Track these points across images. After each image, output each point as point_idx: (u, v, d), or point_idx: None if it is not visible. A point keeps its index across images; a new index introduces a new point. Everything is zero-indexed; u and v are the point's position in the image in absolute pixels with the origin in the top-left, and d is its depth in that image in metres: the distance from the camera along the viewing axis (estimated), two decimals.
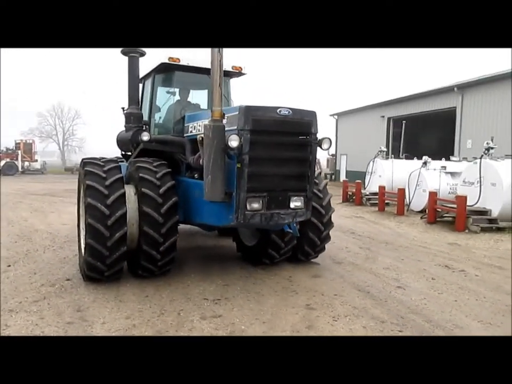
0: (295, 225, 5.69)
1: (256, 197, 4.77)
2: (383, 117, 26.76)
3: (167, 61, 6.32)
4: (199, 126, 5.88)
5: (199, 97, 7.19)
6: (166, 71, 6.69)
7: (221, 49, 4.56)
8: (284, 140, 4.85)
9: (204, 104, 7.12)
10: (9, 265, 6.44)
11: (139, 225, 5.49)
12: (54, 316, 4.48)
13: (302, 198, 5.10)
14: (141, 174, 5.61)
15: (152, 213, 5.36)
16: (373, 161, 17.56)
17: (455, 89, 20.96)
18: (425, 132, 22.40)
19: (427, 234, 10.32)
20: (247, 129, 4.60)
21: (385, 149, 18.93)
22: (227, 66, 6.56)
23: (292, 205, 5.03)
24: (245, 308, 4.86)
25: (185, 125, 6.40)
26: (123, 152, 7.71)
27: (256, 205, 4.77)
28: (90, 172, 5.44)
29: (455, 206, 10.70)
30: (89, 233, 5.20)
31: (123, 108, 6.98)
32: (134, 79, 6.72)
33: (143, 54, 6.67)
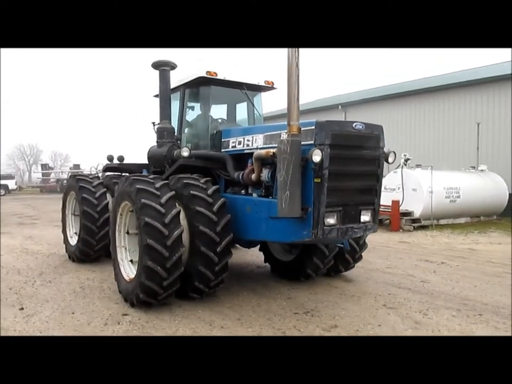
0: None
1: (332, 212, 4.78)
2: None
3: (204, 75, 6.09)
4: (248, 141, 5.82)
5: (217, 111, 7.01)
6: (199, 85, 6.40)
7: (298, 63, 4.47)
8: (358, 154, 4.95)
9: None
10: (22, 308, 5.30)
11: (193, 244, 5.23)
12: None
13: (370, 211, 5.20)
14: (192, 192, 5.32)
15: (208, 231, 5.15)
16: None
17: (339, 107, 23.95)
18: None
19: (371, 235, 11.71)
20: (327, 143, 4.58)
21: None
22: (260, 81, 6.63)
23: (362, 218, 5.11)
24: (343, 316, 5.06)
25: (223, 140, 6.23)
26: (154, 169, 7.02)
27: (332, 220, 4.78)
28: (144, 190, 5.10)
29: (389, 209, 12.42)
30: (147, 254, 4.85)
31: (153, 123, 6.45)
32: (165, 93, 6.31)
33: (174, 67, 6.33)
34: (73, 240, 8.01)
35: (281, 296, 5.86)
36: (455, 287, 6.40)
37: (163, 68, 6.33)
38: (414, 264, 8.10)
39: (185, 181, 5.46)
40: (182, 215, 5.32)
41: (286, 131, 4.65)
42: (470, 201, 13.54)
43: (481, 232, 12.13)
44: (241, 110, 7.03)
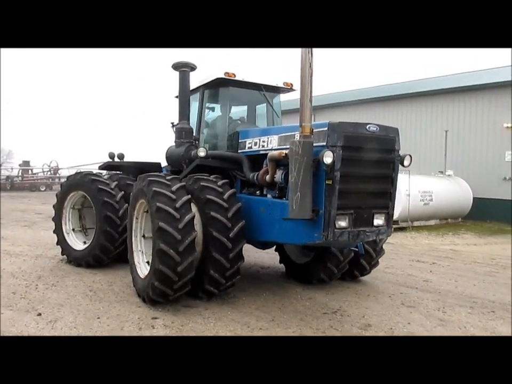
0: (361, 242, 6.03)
1: (344, 214, 4.68)
2: None
3: (223, 76, 6.08)
4: (263, 142, 5.84)
5: (239, 112, 7.02)
6: (218, 86, 6.39)
7: (312, 63, 4.43)
8: (371, 156, 4.85)
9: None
10: (39, 314, 5.01)
11: (205, 233, 5.32)
12: None
13: (383, 215, 5.12)
14: (201, 183, 5.49)
15: (219, 217, 5.24)
16: None
17: None
18: None
19: None
20: (339, 145, 4.52)
21: None
22: (279, 82, 6.68)
23: (375, 222, 5.03)
24: (371, 315, 5.22)
25: (240, 140, 6.22)
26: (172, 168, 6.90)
27: (343, 223, 4.68)
28: (155, 182, 5.31)
29: None
30: (160, 238, 4.94)
31: (172, 123, 6.36)
32: (184, 93, 6.33)
33: (194, 68, 6.34)
34: (70, 238, 7.61)
35: (302, 297, 5.94)
36: (458, 286, 6.77)
37: (183, 69, 6.38)
38: (408, 264, 8.46)
39: (196, 177, 5.67)
40: (194, 208, 5.40)
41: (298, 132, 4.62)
42: (440, 204, 14.32)
43: (455, 233, 12.88)
44: (262, 111, 7.06)
